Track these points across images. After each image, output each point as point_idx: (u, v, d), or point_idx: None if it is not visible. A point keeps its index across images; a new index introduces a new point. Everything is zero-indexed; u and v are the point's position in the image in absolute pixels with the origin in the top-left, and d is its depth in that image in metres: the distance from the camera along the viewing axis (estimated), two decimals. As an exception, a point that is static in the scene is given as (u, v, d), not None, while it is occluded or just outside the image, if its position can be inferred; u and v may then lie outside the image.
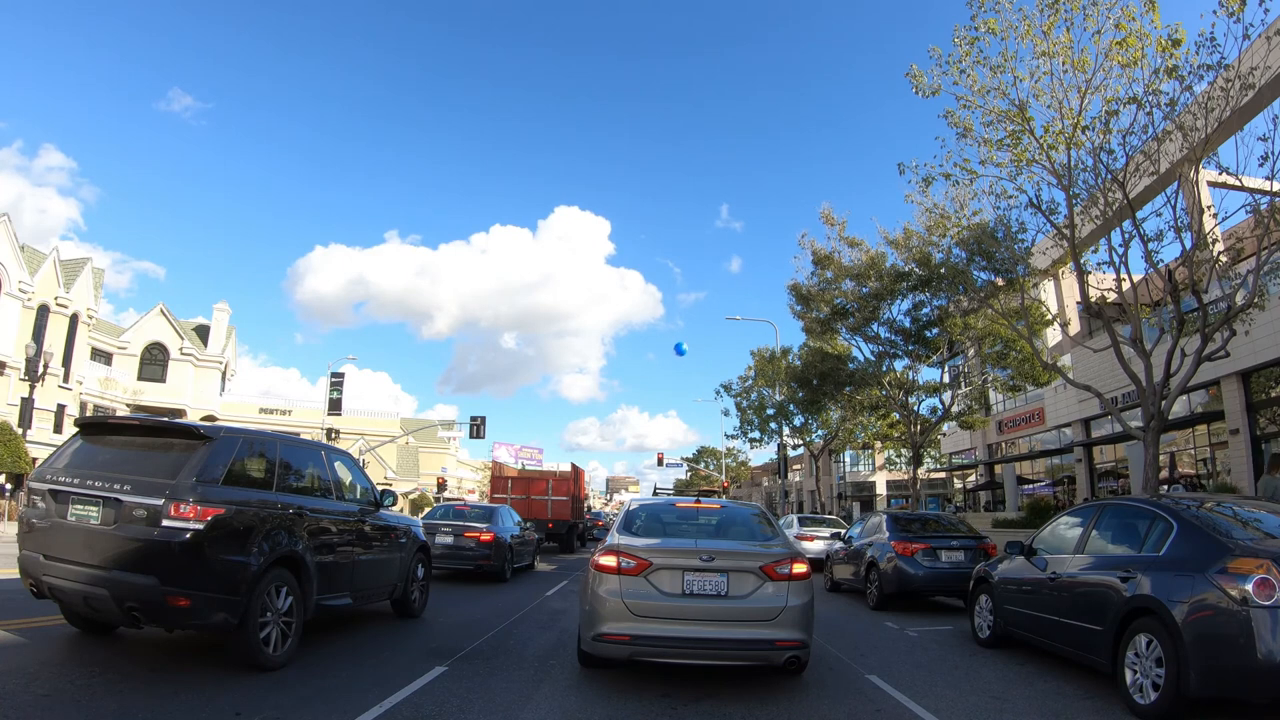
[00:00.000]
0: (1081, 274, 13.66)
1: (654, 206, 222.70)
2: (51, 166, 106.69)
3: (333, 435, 41.68)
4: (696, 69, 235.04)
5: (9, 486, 26.95)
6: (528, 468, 45.96)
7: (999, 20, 12.01)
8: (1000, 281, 16.80)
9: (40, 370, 26.81)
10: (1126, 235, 12.44)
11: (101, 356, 43.44)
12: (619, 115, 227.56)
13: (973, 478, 38.76)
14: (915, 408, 26.90)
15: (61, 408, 36.74)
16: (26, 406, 27.61)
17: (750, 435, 43.81)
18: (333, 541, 6.58)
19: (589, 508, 37.83)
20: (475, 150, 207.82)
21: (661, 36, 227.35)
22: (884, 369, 25.20)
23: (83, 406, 38.72)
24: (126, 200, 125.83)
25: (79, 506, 5.18)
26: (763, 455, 78.62)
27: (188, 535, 4.95)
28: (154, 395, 45.74)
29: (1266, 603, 4.36)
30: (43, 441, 31.53)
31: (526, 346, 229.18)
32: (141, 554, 4.95)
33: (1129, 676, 5.16)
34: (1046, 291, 24.04)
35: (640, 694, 5.31)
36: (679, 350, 36.62)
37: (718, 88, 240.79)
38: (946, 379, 27.96)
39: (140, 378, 46.11)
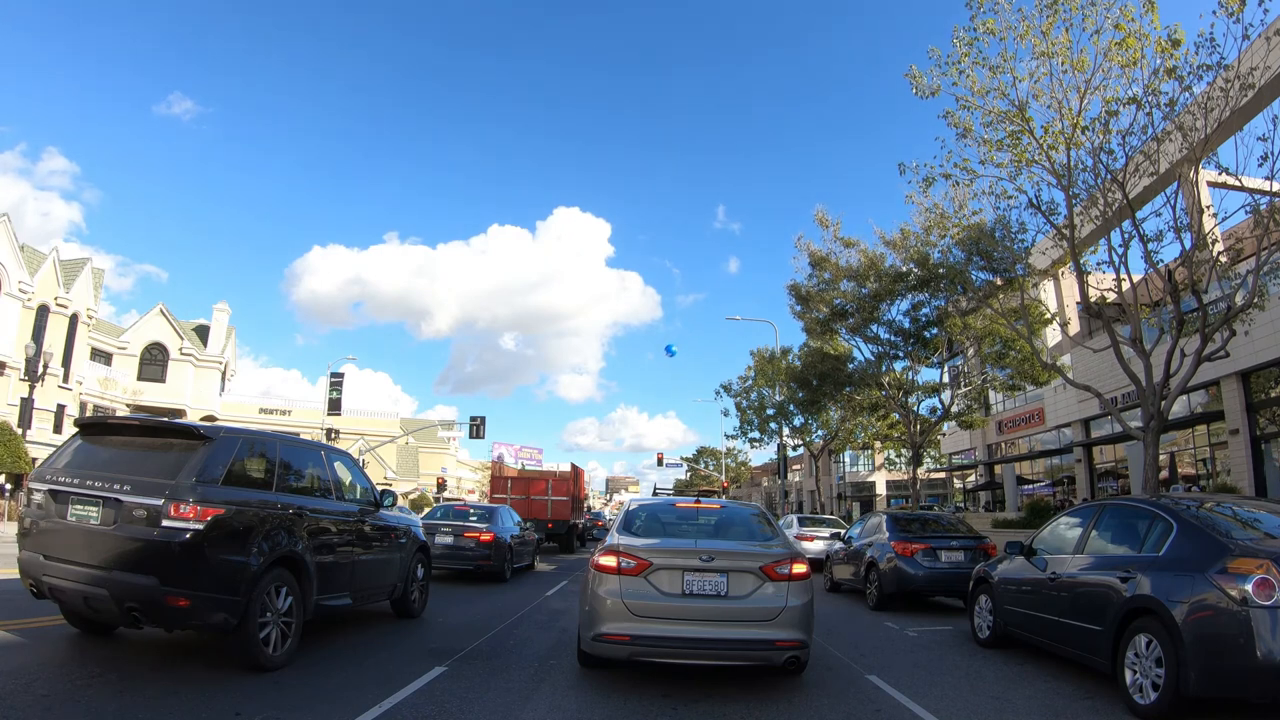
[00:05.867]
0: (1081, 274, 13.66)
1: (653, 208, 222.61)
2: (54, 170, 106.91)
3: (333, 435, 41.68)
4: (693, 71, 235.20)
5: (9, 486, 26.95)
6: (527, 468, 45.94)
7: (998, 21, 12.02)
8: (999, 281, 16.81)
9: (40, 370, 26.82)
10: (1126, 235, 12.45)
11: (101, 356, 43.43)
12: (618, 116, 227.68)
13: (973, 478, 38.77)
14: (915, 408, 26.92)
15: (61, 408, 36.73)
16: (26, 406, 27.62)
17: (750, 435, 43.93)
18: (332, 542, 6.58)
19: (589, 508, 37.83)
20: (476, 154, 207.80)
21: (659, 41, 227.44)
22: (883, 369, 25.21)
23: (82, 406, 38.71)
24: (128, 203, 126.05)
25: (79, 506, 5.17)
26: (763, 455, 78.52)
27: (187, 535, 4.94)
28: (154, 395, 45.72)
29: (1266, 603, 4.36)
30: (43, 441, 31.52)
31: (525, 347, 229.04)
32: (141, 554, 4.95)
33: (1129, 676, 5.16)
34: (1046, 291, 24.06)
35: (640, 694, 5.31)
36: (669, 351, 37.08)
37: (714, 89, 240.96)
38: (946, 379, 27.98)
39: (140, 378, 46.08)
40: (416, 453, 65.66)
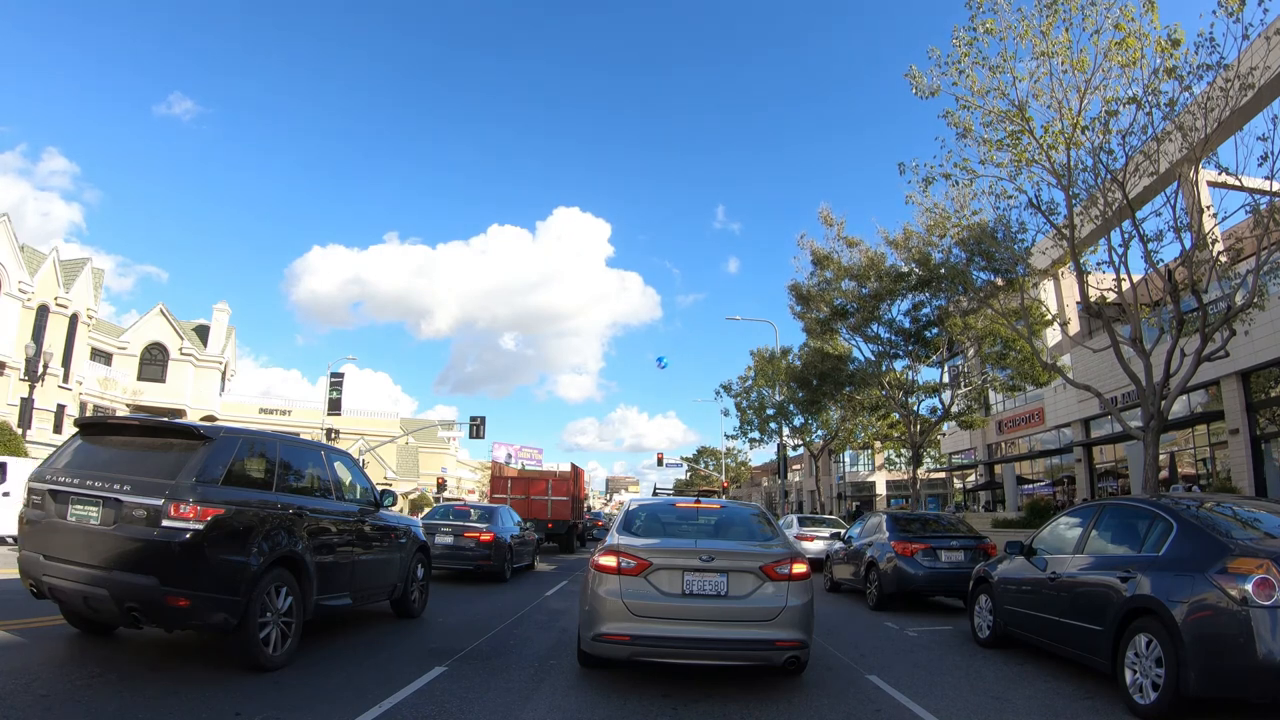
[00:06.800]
0: (1081, 274, 13.67)
1: (653, 208, 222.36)
2: (54, 170, 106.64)
3: (333, 435, 41.66)
4: (693, 71, 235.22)
5: (9, 487, 26.91)
6: (527, 468, 45.92)
7: (997, 21, 12.02)
8: (1000, 281, 16.82)
9: (40, 370, 26.81)
10: (1126, 235, 12.45)
11: (101, 356, 43.40)
12: (618, 116, 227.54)
13: (973, 478, 38.77)
14: (915, 408, 26.92)
15: (61, 408, 36.71)
16: (26, 406, 27.61)
17: (750, 435, 43.96)
18: (332, 542, 6.58)
19: (589, 508, 37.84)
20: (476, 154, 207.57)
21: (659, 41, 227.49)
22: (884, 369, 25.22)
23: (82, 406, 38.69)
24: (129, 204, 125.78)
25: (79, 506, 5.17)
26: (763, 455, 78.65)
27: (187, 535, 4.95)
28: (154, 395, 45.67)
29: (1266, 603, 4.36)
30: (43, 441, 31.43)
31: (525, 347, 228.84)
32: (141, 554, 4.95)
33: (1129, 676, 5.16)
34: (1046, 291, 24.07)
35: (640, 694, 5.32)
36: (660, 363, 38.32)
37: (714, 89, 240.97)
38: (946, 379, 27.99)
39: (140, 378, 46.03)
40: (416, 453, 65.61)
